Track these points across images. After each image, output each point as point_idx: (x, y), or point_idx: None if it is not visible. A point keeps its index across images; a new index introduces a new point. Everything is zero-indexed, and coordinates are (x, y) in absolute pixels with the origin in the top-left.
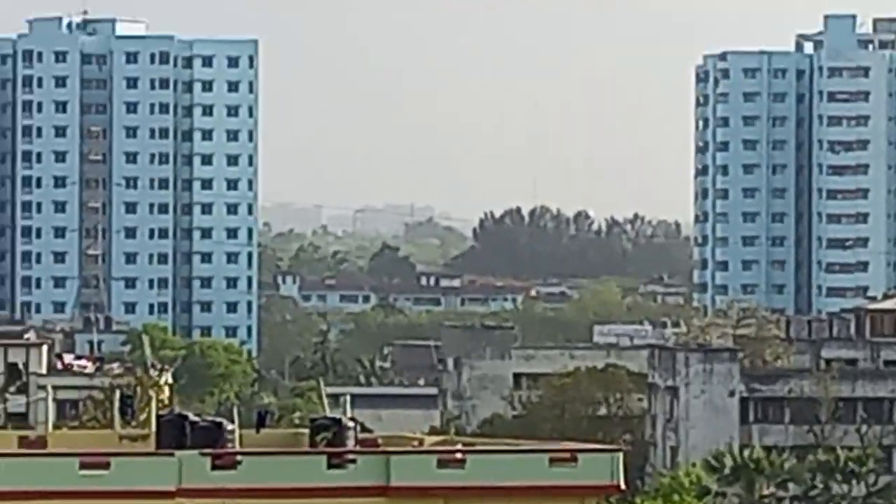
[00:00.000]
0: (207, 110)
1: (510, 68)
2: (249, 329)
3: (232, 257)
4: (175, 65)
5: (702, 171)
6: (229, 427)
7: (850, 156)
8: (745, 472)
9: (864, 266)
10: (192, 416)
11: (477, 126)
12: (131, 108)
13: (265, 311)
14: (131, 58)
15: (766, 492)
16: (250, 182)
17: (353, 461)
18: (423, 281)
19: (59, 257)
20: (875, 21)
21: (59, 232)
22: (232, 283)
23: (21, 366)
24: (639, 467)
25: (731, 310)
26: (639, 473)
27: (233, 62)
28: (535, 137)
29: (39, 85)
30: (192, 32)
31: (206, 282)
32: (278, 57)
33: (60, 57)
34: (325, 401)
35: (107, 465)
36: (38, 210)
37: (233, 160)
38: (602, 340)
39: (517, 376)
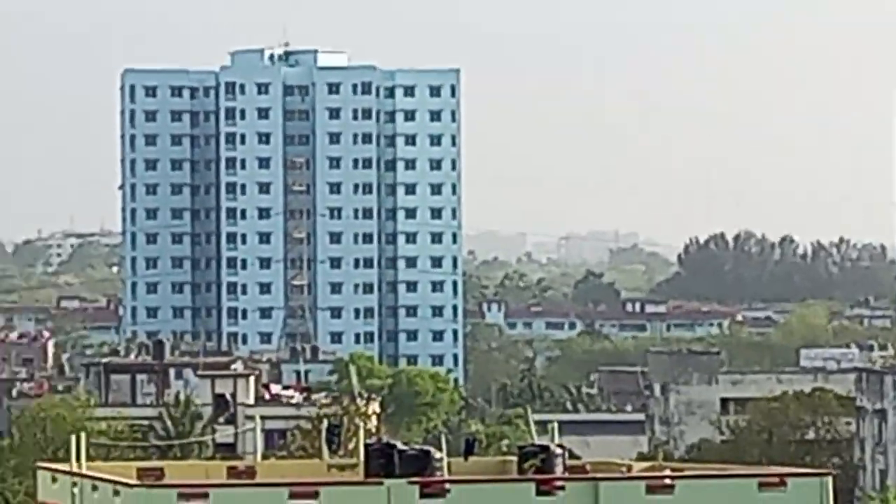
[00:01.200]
0: (410, 140)
1: (711, 94)
2: (456, 357)
3: (437, 286)
4: (377, 95)
5: None
6: (437, 455)
7: None
8: None
9: None
10: (399, 445)
11: (679, 152)
12: (334, 138)
13: (471, 339)
14: (333, 88)
15: None
16: (454, 211)
17: (562, 488)
18: (629, 307)
19: (265, 288)
20: None
21: (265, 263)
22: (437, 311)
23: (229, 396)
24: (848, 491)
25: None
26: (848, 497)
27: (435, 91)
28: (736, 163)
29: (242, 117)
30: (393, 63)
31: (412, 310)
32: (480, 85)
33: (263, 89)
34: (533, 428)
35: (316, 495)
36: (244, 241)
37: (436, 189)
38: (809, 364)
39: (724, 401)
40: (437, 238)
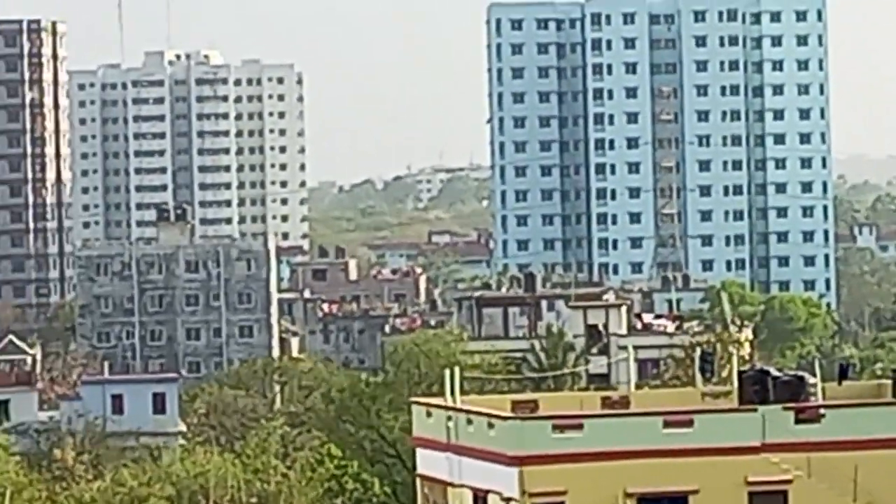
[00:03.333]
0: (777, 65)
1: None
2: (827, 282)
3: (807, 211)
4: (743, 21)
5: None
6: (811, 381)
7: None
8: None
9: None
10: (773, 371)
11: None
12: (701, 66)
13: (842, 264)
14: (699, 16)
15: None
16: (823, 135)
17: None
18: None
19: (635, 218)
20: None
21: (634, 193)
22: (808, 236)
23: (601, 327)
24: None
25: None
26: None
27: (801, 16)
28: None
29: (608, 47)
30: None
31: (783, 236)
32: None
33: (629, 18)
34: None
35: (690, 423)
36: (613, 172)
37: (805, 114)
38: None
39: None
40: (806, 163)
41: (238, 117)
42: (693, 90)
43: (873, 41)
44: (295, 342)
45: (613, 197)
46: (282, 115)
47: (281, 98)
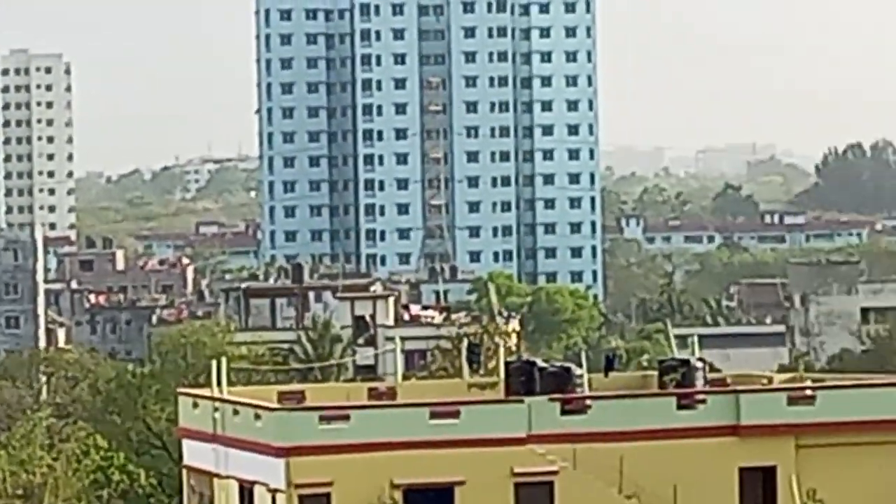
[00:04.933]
0: (546, 57)
1: (849, 3)
2: (594, 273)
3: (575, 202)
4: (512, 13)
5: None
6: (577, 371)
7: None
8: None
9: None
10: (540, 363)
11: (814, 63)
12: (469, 57)
13: (610, 255)
14: (468, 7)
15: None
16: (591, 127)
17: (703, 401)
18: (767, 219)
19: (403, 209)
20: None
21: (402, 184)
22: (576, 227)
23: (368, 318)
24: None
25: None
26: None
27: (569, 8)
28: (875, 70)
29: (377, 38)
30: None
31: (550, 228)
32: None
33: (398, 9)
34: (673, 342)
35: (457, 414)
36: (381, 163)
37: (573, 105)
38: None
39: (865, 311)
40: (574, 154)
41: (5, 107)
42: (462, 81)
43: (641, 33)
44: (62, 333)
45: (381, 188)
46: (49, 105)
47: (49, 88)
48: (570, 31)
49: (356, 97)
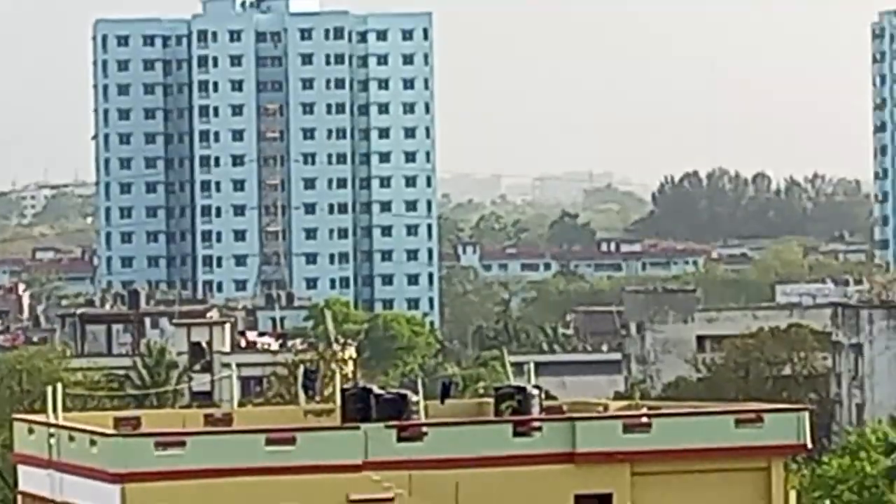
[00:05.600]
0: (383, 84)
1: (685, 31)
2: (431, 300)
3: (412, 229)
4: (350, 40)
5: (880, 128)
6: (414, 399)
7: None
8: None
9: None
10: (376, 389)
11: (652, 90)
12: (307, 84)
13: (446, 282)
14: (305, 34)
15: None
16: (428, 154)
17: (539, 429)
18: (604, 247)
19: (240, 235)
20: None
21: (239, 210)
22: (413, 255)
23: (205, 344)
24: (825, 426)
25: None
26: (825, 432)
27: (407, 35)
28: (712, 100)
29: (215, 64)
30: (365, 7)
31: (387, 255)
32: (454, 27)
33: (235, 36)
34: (509, 369)
35: (293, 441)
36: (218, 189)
37: (410, 133)
38: (785, 300)
39: (700, 339)
40: (411, 182)
41: None
42: (299, 108)
43: (479, 61)
44: None
45: (218, 214)
46: None
47: None
48: (408, 59)
49: (193, 123)
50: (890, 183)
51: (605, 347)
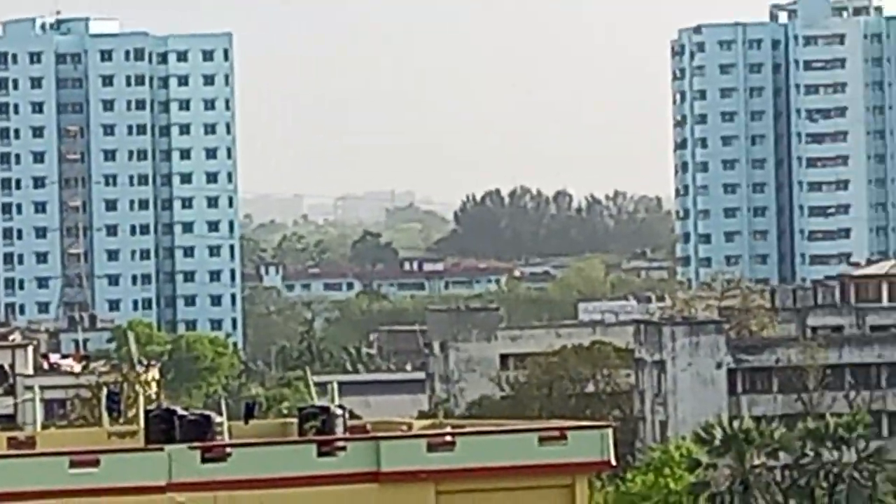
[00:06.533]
0: (184, 105)
1: (486, 52)
2: (234, 321)
3: (214, 250)
4: (150, 61)
5: (681, 145)
6: (218, 420)
7: (829, 123)
8: (735, 442)
9: (846, 233)
10: (180, 411)
11: (454, 110)
12: (108, 105)
13: (249, 303)
14: (106, 56)
15: (756, 462)
16: (230, 175)
17: (343, 448)
18: (407, 266)
19: (42, 258)
20: None
21: (41, 232)
22: (215, 276)
23: (7, 367)
24: (629, 443)
25: (715, 282)
26: (629, 449)
27: (208, 56)
28: (514, 119)
29: (15, 86)
30: (165, 28)
31: (190, 276)
32: (254, 48)
33: (35, 57)
34: (313, 389)
35: (96, 463)
36: (19, 211)
37: (211, 153)
38: (587, 318)
39: (504, 357)
40: (213, 202)
41: None
42: (100, 129)
43: (279, 81)
44: None
45: (20, 236)
46: None
47: None
48: (209, 79)
49: None
50: (691, 200)
51: (408, 367)
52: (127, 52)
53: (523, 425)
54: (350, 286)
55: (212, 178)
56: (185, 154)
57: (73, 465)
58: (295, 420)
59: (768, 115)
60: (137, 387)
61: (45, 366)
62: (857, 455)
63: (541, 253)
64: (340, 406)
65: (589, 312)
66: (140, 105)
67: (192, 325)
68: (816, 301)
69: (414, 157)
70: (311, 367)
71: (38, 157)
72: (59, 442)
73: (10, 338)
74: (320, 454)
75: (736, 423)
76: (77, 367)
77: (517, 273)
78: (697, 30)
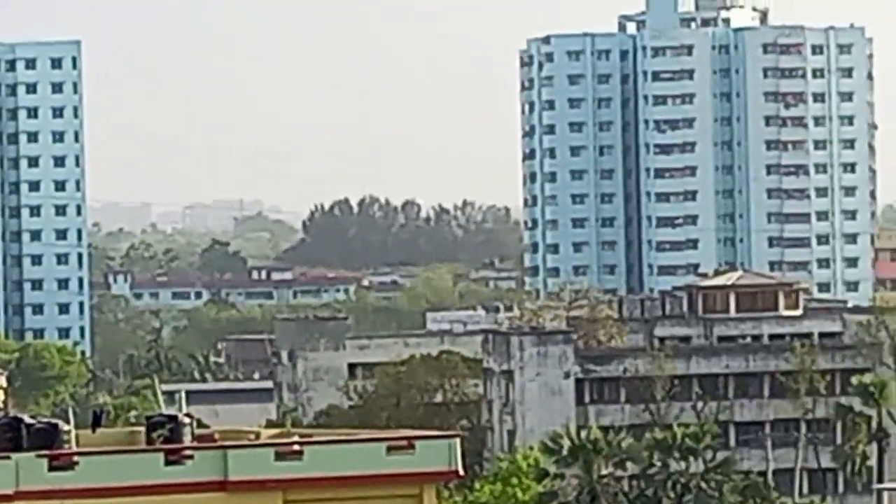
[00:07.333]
0: (32, 113)
1: (333, 60)
2: (82, 329)
3: (62, 259)
4: None
5: (529, 155)
6: (65, 428)
7: (677, 134)
8: (582, 452)
9: (693, 243)
10: (27, 419)
11: (303, 119)
12: None
13: (97, 311)
14: None
15: (604, 472)
16: (78, 183)
17: (191, 457)
18: (255, 275)
19: None
20: None
21: None
22: (63, 284)
23: None
24: (477, 452)
25: (563, 292)
26: (477, 458)
27: (56, 63)
28: (362, 128)
29: None
30: (13, 36)
31: (37, 284)
32: (103, 56)
33: None
34: (161, 398)
35: None
36: None
37: (59, 161)
38: (435, 327)
39: (352, 366)
40: (61, 211)
41: None
42: None
43: (127, 90)
44: None
45: None
46: None
47: None
48: (57, 87)
49: None
50: (539, 210)
51: (256, 375)
52: None
53: (371, 434)
54: (198, 295)
55: (60, 186)
56: (34, 162)
57: None
58: (143, 428)
59: (616, 125)
60: None
61: None
62: (705, 465)
63: (389, 262)
64: (188, 415)
65: (437, 322)
66: None
67: (39, 333)
68: (664, 312)
69: (262, 166)
70: (159, 375)
71: None
72: None
73: None
74: (168, 463)
75: (584, 433)
76: None
77: (365, 282)
78: (546, 40)
